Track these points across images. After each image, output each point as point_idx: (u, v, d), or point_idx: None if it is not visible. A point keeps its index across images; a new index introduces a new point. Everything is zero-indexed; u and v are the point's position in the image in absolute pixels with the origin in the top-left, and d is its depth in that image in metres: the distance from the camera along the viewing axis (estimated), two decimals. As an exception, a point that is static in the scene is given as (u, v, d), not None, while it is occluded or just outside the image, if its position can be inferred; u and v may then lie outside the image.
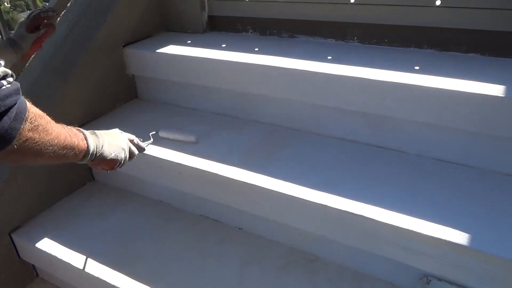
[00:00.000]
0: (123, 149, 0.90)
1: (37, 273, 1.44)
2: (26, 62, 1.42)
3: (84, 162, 0.79)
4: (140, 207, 1.43)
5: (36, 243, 1.27)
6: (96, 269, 1.17)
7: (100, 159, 0.83)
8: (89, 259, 1.20)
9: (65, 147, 0.69)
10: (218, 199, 1.24)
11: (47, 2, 1.51)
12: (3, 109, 0.54)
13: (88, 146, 0.77)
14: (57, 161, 0.70)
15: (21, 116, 0.57)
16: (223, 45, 1.49)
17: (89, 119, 1.48)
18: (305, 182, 1.08)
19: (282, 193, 1.06)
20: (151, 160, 1.27)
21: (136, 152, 0.98)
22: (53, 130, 0.65)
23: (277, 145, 1.27)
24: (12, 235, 1.32)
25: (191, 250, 1.23)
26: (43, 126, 0.62)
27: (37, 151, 0.62)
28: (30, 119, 0.59)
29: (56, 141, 0.65)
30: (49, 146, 0.64)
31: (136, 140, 1.00)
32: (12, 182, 1.27)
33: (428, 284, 1.00)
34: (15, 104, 0.56)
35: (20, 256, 1.36)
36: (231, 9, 1.61)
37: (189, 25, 1.67)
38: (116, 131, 0.93)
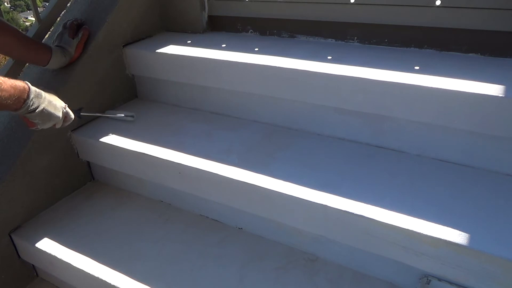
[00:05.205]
0: (61, 108, 1.09)
1: (37, 273, 1.44)
2: (26, 63, 1.42)
3: (22, 112, 0.98)
4: (140, 207, 1.43)
5: (36, 243, 1.27)
6: (96, 269, 1.17)
7: (38, 113, 1.00)
8: (89, 259, 1.20)
9: (6, 98, 0.91)
10: (218, 199, 1.24)
11: (47, 2, 1.51)
12: None
13: (25, 102, 0.96)
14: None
15: None
16: (223, 45, 1.49)
17: (89, 119, 1.48)
18: (305, 182, 1.08)
19: (282, 193, 1.06)
20: (151, 160, 1.27)
21: (72, 116, 1.15)
22: None
23: (277, 145, 1.27)
24: (12, 235, 1.32)
25: (191, 250, 1.23)
26: None
27: None
28: None
29: None
30: None
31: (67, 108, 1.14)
32: (12, 182, 1.27)
33: (428, 284, 1.00)
34: None
35: (20, 256, 1.36)
36: (231, 9, 1.61)
37: (189, 25, 1.67)
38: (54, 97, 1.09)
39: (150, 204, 1.44)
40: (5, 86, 0.90)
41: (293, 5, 1.48)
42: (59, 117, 1.08)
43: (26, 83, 0.97)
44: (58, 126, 1.11)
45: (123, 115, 1.47)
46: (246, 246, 1.23)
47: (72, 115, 1.15)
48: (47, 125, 1.07)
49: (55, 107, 1.06)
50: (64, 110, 1.10)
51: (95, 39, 1.40)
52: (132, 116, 1.47)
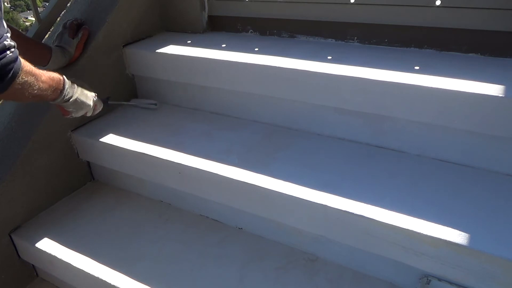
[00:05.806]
0: (92, 97, 1.19)
1: (37, 273, 1.44)
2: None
3: (58, 101, 1.06)
4: (140, 207, 1.43)
5: (36, 243, 1.27)
6: (96, 269, 1.17)
7: (72, 102, 1.10)
8: (89, 259, 1.20)
9: (46, 89, 0.98)
10: (218, 199, 1.24)
11: (47, 2, 1.51)
12: (6, 69, 0.83)
13: (61, 92, 1.04)
14: (38, 99, 0.99)
15: (15, 75, 0.85)
16: (223, 45, 1.49)
17: (90, 119, 1.48)
18: (305, 182, 1.08)
19: (282, 193, 1.06)
20: (151, 160, 1.27)
21: (101, 104, 1.27)
22: (37, 83, 0.93)
23: (277, 145, 1.27)
24: (12, 235, 1.32)
25: (191, 250, 1.23)
26: (30, 82, 0.91)
27: (22, 95, 0.92)
28: (21, 77, 0.87)
29: (36, 91, 0.94)
30: (33, 91, 0.93)
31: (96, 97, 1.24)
32: (12, 182, 1.27)
33: (428, 284, 1.00)
34: (13, 68, 0.84)
35: (20, 256, 1.36)
36: (231, 9, 1.61)
37: (189, 25, 1.67)
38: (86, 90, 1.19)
39: (150, 204, 1.44)
40: (44, 78, 0.96)
41: (293, 5, 1.48)
42: (90, 105, 1.18)
43: (62, 75, 1.05)
44: (89, 114, 1.22)
45: (147, 103, 1.56)
46: (246, 246, 1.23)
47: (102, 104, 1.26)
48: (80, 113, 1.17)
49: (86, 96, 1.16)
50: (95, 99, 1.20)
51: (95, 39, 1.40)
52: (155, 104, 1.55)
